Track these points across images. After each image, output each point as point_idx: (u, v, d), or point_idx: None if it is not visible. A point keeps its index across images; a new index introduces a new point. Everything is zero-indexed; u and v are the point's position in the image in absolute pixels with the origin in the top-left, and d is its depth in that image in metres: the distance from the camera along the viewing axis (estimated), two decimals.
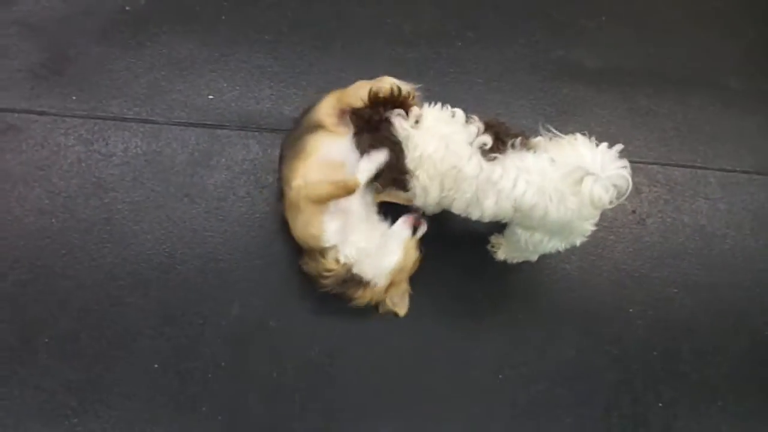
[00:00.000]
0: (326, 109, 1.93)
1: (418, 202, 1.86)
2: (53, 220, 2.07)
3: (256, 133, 2.28)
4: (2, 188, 2.07)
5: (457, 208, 1.82)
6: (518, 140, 1.69)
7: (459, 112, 1.77)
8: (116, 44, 2.30)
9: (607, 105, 2.50)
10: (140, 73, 2.28)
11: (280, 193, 2.01)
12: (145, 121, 2.23)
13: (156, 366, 1.97)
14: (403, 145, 1.75)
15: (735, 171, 2.45)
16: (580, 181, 1.62)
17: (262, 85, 2.35)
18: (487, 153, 1.69)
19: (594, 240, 2.26)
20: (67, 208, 2.09)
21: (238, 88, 2.34)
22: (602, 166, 1.62)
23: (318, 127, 1.92)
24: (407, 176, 1.78)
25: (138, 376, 1.95)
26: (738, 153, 2.47)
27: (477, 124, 1.72)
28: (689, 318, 2.24)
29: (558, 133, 1.73)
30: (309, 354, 2.05)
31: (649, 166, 2.42)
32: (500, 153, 1.68)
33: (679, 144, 2.47)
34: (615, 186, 1.64)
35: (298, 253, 2.01)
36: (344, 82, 2.00)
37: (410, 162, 1.75)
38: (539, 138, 1.77)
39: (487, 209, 1.75)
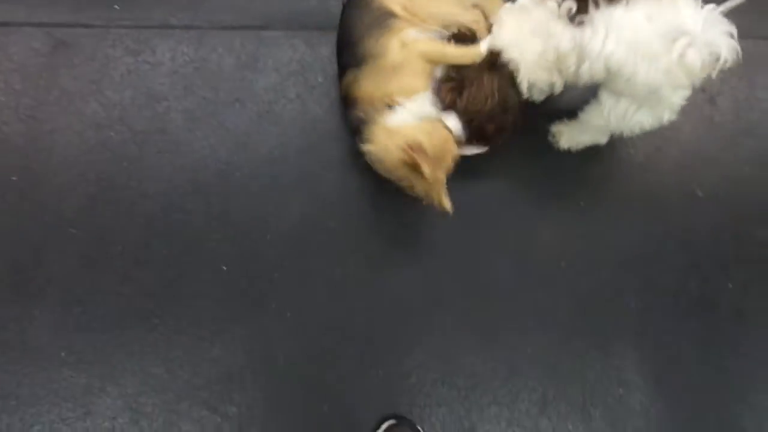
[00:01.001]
0: None
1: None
2: (111, 133, 2.10)
3: (303, 32, 2.21)
4: (60, 104, 2.09)
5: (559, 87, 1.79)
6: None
7: None
8: None
9: None
10: None
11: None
12: (190, 27, 2.19)
13: (224, 268, 2.03)
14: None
15: None
16: (676, 41, 1.50)
17: None
18: (575, 18, 1.61)
19: None
20: (122, 121, 2.11)
21: None
22: (702, 29, 1.50)
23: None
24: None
25: (208, 278, 2.02)
26: None
27: None
28: (765, 200, 2.13)
29: None
30: (370, 249, 2.07)
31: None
32: (587, 13, 1.59)
33: (758, 15, 2.26)
34: (713, 53, 1.52)
35: (352, 154, 1.99)
36: None
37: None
38: None
39: (583, 73, 1.68)
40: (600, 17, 1.58)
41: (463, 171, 1.95)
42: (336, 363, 1.98)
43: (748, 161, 2.16)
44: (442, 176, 1.76)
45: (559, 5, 1.63)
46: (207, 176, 2.09)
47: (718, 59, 1.53)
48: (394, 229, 2.09)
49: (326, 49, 2.13)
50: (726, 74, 2.19)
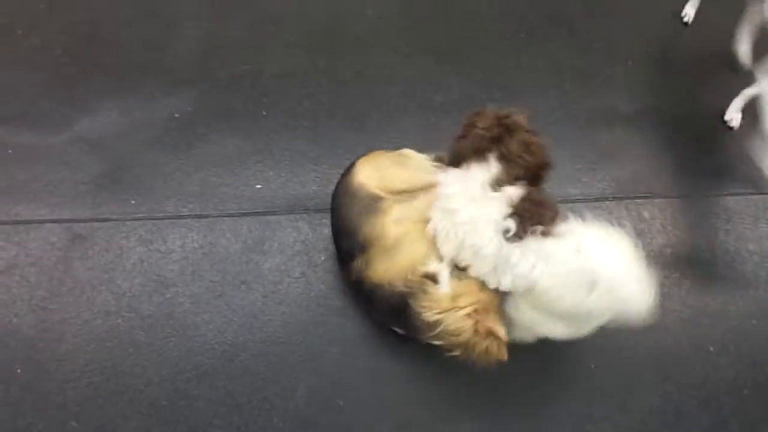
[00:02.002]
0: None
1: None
2: (119, 321, 2.13)
3: (305, 215, 2.35)
4: (72, 294, 2.16)
5: (474, 274, 1.78)
6: (539, 230, 1.61)
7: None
8: (168, 148, 2.46)
9: (648, 144, 2.50)
10: (191, 172, 2.42)
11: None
12: (200, 216, 2.33)
13: None
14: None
15: None
16: (594, 286, 1.54)
17: (305, 170, 2.45)
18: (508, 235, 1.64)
19: (658, 281, 2.20)
20: (131, 307, 2.16)
21: (283, 175, 2.44)
22: (620, 279, 1.55)
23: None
24: None
25: None
26: None
27: (508, 199, 1.66)
28: None
29: (592, 221, 1.65)
30: (381, 427, 1.99)
31: (702, 199, 2.37)
32: (521, 238, 1.62)
33: (731, 173, 2.43)
34: (622, 307, 1.57)
35: (356, 330, 2.02)
36: None
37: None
38: (569, 225, 1.67)
39: (503, 285, 1.70)
40: (533, 244, 1.61)
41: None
42: None
43: (752, 312, 2.16)
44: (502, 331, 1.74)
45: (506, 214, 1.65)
46: (212, 359, 2.08)
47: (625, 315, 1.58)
48: (404, 407, 2.03)
49: (327, 229, 2.24)
50: (714, 228, 2.32)
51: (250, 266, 2.25)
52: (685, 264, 2.26)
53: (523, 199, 1.65)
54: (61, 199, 2.34)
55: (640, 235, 2.30)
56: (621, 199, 2.40)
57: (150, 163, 2.42)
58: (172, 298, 2.18)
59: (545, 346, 2.07)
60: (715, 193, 2.39)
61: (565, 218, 1.65)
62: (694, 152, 2.49)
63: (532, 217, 1.62)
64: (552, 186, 2.37)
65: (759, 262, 2.26)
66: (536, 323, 1.77)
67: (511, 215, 1.63)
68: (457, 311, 1.71)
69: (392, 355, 2.07)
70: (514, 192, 1.65)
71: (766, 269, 2.25)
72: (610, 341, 2.10)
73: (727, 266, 2.26)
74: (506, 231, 1.63)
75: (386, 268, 1.88)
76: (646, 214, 2.36)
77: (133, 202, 2.34)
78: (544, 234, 1.60)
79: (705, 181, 2.42)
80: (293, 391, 2.04)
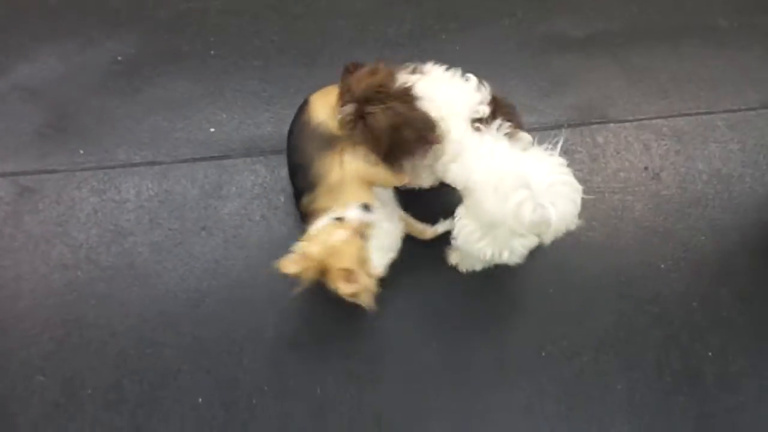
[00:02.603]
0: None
1: None
2: (78, 273, 2.10)
3: (261, 158, 2.32)
4: (25, 249, 2.10)
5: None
6: (507, 125, 1.66)
7: (472, 78, 1.78)
8: (113, 94, 2.36)
9: (600, 69, 2.51)
10: (140, 117, 2.34)
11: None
12: (153, 163, 2.27)
13: (200, 400, 1.96)
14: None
15: (741, 110, 2.44)
16: (515, 189, 1.52)
17: (259, 110, 2.39)
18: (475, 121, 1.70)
19: (612, 203, 2.27)
20: (89, 259, 2.12)
21: (236, 116, 2.38)
22: (545, 188, 1.52)
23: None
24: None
25: (185, 413, 1.95)
26: (740, 91, 2.46)
27: (485, 93, 1.73)
28: (723, 263, 2.20)
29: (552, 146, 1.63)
30: (348, 365, 2.03)
31: (653, 121, 2.42)
32: (486, 126, 1.68)
33: (680, 94, 2.47)
34: (545, 216, 1.52)
35: None
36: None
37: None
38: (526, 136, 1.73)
39: (450, 173, 1.75)
40: (491, 136, 1.67)
41: (435, 270, 2.00)
42: None
43: (700, 230, 2.25)
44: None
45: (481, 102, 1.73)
46: (177, 307, 2.08)
47: (549, 224, 1.54)
48: (371, 341, 2.07)
49: (285, 170, 2.21)
50: (665, 150, 2.37)
51: (209, 212, 2.22)
52: (638, 186, 2.31)
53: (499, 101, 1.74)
54: (4, 152, 2.25)
55: (594, 160, 2.35)
56: (576, 125, 2.42)
57: (95, 110, 2.33)
58: (131, 248, 2.15)
59: (504, 274, 2.14)
60: (666, 114, 2.43)
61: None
62: (645, 75, 2.51)
63: (505, 114, 1.70)
64: None
65: (707, 180, 2.34)
66: (465, 234, 1.79)
67: (489, 103, 1.71)
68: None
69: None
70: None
71: (713, 187, 2.32)
72: (566, 266, 2.18)
73: (677, 186, 2.32)
74: (477, 115, 1.69)
75: (327, 207, 1.87)
76: (600, 140, 2.40)
77: (81, 151, 2.26)
78: (509, 132, 1.66)
79: (656, 103, 2.46)
80: (260, 333, 2.06)
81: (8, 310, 2.02)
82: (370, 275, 1.82)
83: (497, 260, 1.81)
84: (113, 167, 2.25)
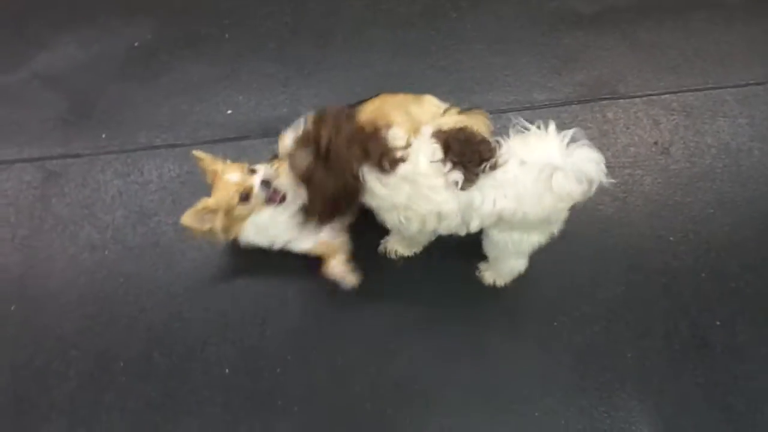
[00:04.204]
0: None
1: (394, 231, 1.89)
2: (106, 252, 2.18)
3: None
4: (55, 231, 2.19)
5: (444, 230, 1.84)
6: (486, 166, 1.64)
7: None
8: (133, 79, 2.42)
9: (610, 46, 2.54)
10: (160, 101, 2.40)
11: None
12: (174, 146, 2.34)
13: (227, 371, 2.05)
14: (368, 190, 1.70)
15: (749, 84, 2.46)
16: (551, 177, 1.60)
17: (275, 92, 2.44)
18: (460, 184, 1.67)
19: (622, 178, 2.32)
20: (116, 239, 2.20)
21: (253, 98, 2.43)
22: (569, 159, 1.60)
23: None
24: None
25: (212, 383, 2.04)
26: (748, 66, 2.49)
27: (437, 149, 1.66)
28: (731, 235, 2.25)
29: (527, 124, 1.67)
30: (370, 334, 2.11)
31: (662, 96, 2.45)
32: (473, 181, 1.65)
33: (689, 69, 2.50)
34: (586, 175, 1.62)
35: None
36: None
37: (379, 207, 1.78)
38: (505, 146, 1.68)
39: (473, 228, 1.78)
40: (486, 181, 1.66)
41: (450, 244, 2.06)
42: None
43: (709, 203, 2.29)
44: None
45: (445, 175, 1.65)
46: (202, 283, 2.16)
47: (591, 181, 1.63)
48: (393, 312, 2.14)
49: None
50: (674, 125, 2.41)
51: None
52: (647, 161, 2.36)
53: (454, 145, 1.65)
54: (29, 138, 2.32)
55: (604, 135, 2.39)
56: (586, 101, 2.46)
57: (116, 96, 2.39)
58: (156, 228, 2.22)
59: None
60: (675, 89, 2.46)
61: (498, 143, 1.68)
62: (655, 50, 2.54)
63: (472, 159, 1.64)
64: (519, 93, 2.44)
65: (716, 154, 2.38)
66: (514, 242, 1.87)
67: (453, 166, 1.64)
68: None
69: (377, 269, 2.14)
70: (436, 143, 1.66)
71: (722, 161, 2.36)
72: (577, 239, 2.22)
73: (686, 160, 2.36)
74: (456, 183, 1.65)
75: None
76: (610, 115, 2.44)
77: (104, 136, 2.33)
78: (492, 167, 1.64)
79: (665, 78, 2.49)
80: (283, 305, 2.14)
81: (43, 288, 2.11)
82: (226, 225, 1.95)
83: (542, 243, 1.90)
84: (135, 150, 2.32)
